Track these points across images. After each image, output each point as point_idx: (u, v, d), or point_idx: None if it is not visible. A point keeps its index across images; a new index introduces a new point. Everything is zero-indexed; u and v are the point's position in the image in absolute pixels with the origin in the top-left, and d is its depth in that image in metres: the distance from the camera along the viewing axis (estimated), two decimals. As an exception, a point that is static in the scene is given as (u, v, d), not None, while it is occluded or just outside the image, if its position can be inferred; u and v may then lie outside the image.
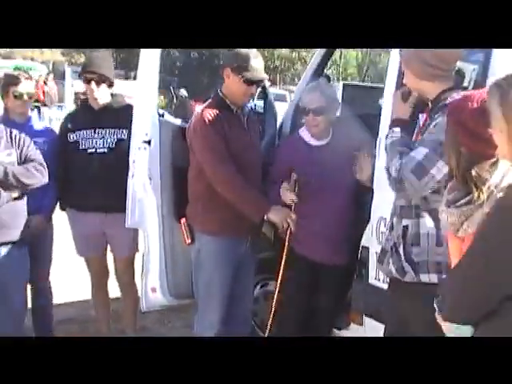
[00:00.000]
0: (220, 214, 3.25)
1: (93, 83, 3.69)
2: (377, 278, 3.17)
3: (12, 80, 3.80)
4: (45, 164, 3.42)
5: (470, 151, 1.92)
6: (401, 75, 2.81)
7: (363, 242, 3.30)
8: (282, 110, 4.58)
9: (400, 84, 2.84)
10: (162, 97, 15.30)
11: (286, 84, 33.99)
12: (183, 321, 4.89)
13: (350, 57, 34.57)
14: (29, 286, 3.74)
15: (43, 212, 3.77)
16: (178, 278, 3.76)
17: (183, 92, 16.69)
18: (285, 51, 32.66)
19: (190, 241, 3.39)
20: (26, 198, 3.43)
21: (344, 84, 9.81)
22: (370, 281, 3.23)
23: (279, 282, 3.37)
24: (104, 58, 3.81)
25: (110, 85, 3.80)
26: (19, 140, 3.42)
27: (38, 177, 3.36)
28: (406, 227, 2.53)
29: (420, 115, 2.68)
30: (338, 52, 27.01)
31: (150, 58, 3.47)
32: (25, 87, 3.78)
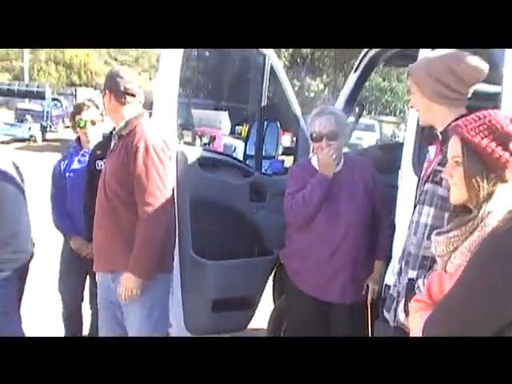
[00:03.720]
0: None
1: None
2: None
3: (76, 109, 4.03)
4: None
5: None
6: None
7: (386, 280, 3.03)
8: (372, 140, 4.50)
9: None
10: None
11: (376, 114, 33.78)
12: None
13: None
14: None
15: (83, 233, 3.83)
16: (195, 314, 3.64)
17: None
18: (376, 81, 32.42)
19: None
20: None
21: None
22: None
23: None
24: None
25: None
26: None
27: None
28: (411, 280, 2.29)
29: (430, 147, 2.43)
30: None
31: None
32: (88, 115, 3.93)
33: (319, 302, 3.25)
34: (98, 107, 4.00)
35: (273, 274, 4.12)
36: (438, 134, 2.34)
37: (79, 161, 4.00)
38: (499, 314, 1.42)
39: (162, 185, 2.90)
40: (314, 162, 3.32)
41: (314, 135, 3.23)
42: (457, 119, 2.13)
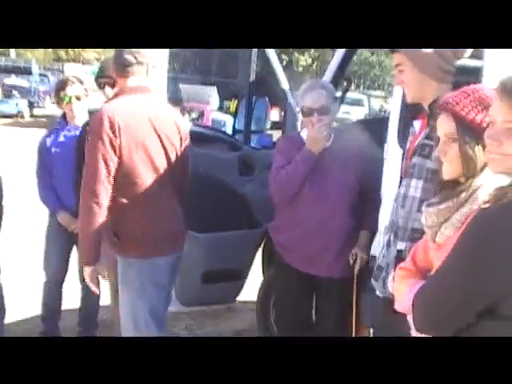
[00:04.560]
0: None
1: (107, 88, 3.68)
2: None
3: (60, 84, 4.03)
4: None
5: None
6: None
7: (372, 252, 3.09)
8: (360, 115, 4.50)
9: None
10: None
11: (365, 89, 33.67)
12: (214, 328, 4.86)
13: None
14: None
15: (69, 208, 3.87)
16: (186, 286, 3.70)
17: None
18: (364, 55, 32.29)
19: None
20: None
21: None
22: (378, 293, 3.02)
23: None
24: None
25: None
26: None
27: None
28: (400, 252, 2.33)
29: (415, 121, 2.46)
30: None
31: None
32: (72, 90, 3.93)
33: (306, 276, 3.24)
34: (81, 83, 4.00)
35: (262, 246, 4.17)
36: (426, 108, 2.34)
37: (65, 136, 4.00)
38: (488, 291, 1.45)
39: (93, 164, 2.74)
40: (304, 135, 3.27)
41: (305, 110, 3.17)
42: (442, 95, 2.17)
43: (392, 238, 2.40)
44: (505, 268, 1.41)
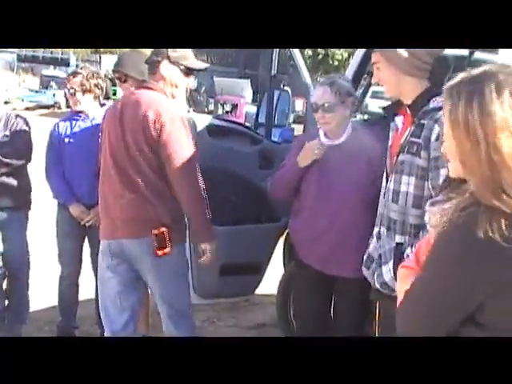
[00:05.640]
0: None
1: (118, 81, 3.72)
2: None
3: (68, 77, 4.17)
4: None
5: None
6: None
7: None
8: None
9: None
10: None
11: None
12: (235, 320, 4.90)
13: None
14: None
15: (82, 200, 3.95)
16: (203, 278, 3.72)
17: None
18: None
19: (169, 250, 3.04)
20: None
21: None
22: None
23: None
24: (129, 57, 3.76)
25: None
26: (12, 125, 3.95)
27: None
28: (400, 244, 2.35)
29: (397, 118, 2.50)
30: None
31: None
32: (73, 82, 3.98)
33: (322, 275, 3.21)
34: (94, 76, 4.02)
35: (283, 239, 4.18)
36: (405, 104, 2.40)
37: (79, 126, 4.00)
38: (466, 300, 1.43)
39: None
40: (321, 132, 3.25)
41: (314, 106, 3.17)
42: (423, 93, 2.31)
43: (385, 231, 2.44)
44: (478, 276, 1.39)
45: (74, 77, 4.01)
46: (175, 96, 3.16)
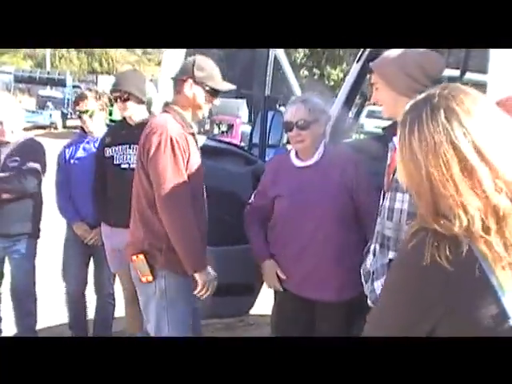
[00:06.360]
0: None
1: (119, 101, 3.74)
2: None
3: (76, 99, 4.22)
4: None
5: None
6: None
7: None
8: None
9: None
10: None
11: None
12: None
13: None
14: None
15: (86, 219, 4.05)
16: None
17: None
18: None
19: (151, 278, 2.99)
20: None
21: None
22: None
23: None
24: (129, 76, 3.87)
25: (140, 102, 3.81)
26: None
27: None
28: (392, 261, 2.35)
29: (394, 137, 2.49)
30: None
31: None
32: (86, 105, 4.07)
33: (302, 299, 3.14)
34: (98, 97, 4.11)
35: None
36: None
37: (84, 148, 4.11)
38: (419, 325, 1.44)
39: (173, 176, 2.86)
40: (292, 154, 3.20)
41: (286, 124, 3.11)
42: None
43: (377, 247, 2.46)
44: (429, 299, 1.40)
45: (82, 100, 4.08)
46: (197, 117, 3.12)
